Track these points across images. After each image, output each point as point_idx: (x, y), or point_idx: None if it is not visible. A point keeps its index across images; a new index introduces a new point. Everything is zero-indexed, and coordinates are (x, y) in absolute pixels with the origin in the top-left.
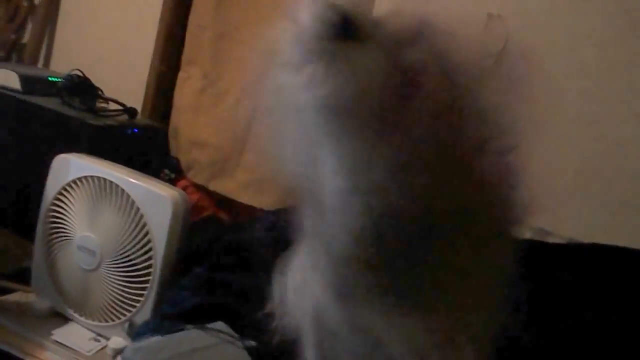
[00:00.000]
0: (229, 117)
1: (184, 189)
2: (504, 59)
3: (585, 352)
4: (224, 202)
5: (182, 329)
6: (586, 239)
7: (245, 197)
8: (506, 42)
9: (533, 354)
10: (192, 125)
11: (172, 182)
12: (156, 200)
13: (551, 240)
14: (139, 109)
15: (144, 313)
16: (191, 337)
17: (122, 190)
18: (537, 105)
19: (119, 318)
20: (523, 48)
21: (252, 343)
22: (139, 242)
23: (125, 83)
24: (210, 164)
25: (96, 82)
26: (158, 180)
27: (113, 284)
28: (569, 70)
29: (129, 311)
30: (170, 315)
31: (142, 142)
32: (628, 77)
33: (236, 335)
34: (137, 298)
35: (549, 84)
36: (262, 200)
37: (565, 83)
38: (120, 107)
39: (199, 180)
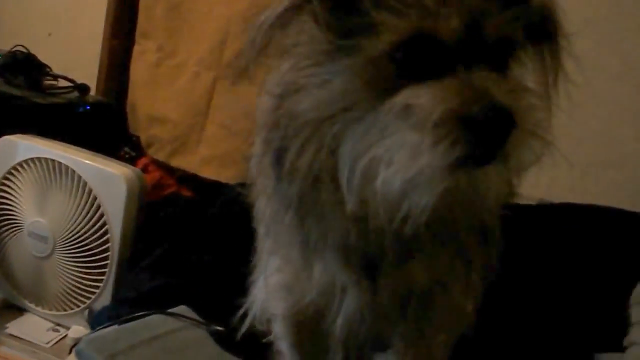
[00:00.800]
0: (188, 90)
1: (145, 167)
2: None
3: (558, 310)
4: (186, 179)
5: (142, 315)
6: (557, 199)
7: (208, 172)
8: None
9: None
10: (150, 100)
11: (133, 160)
12: (109, 180)
13: (522, 202)
14: (93, 86)
15: (104, 298)
16: (151, 323)
17: (73, 171)
18: None
19: (78, 306)
20: None
21: (218, 328)
22: (93, 224)
23: (76, 59)
24: (171, 139)
25: (45, 58)
26: (111, 159)
27: (69, 271)
28: None
29: (88, 298)
30: (129, 300)
31: (95, 120)
32: (595, 34)
33: (201, 319)
34: (95, 284)
35: None
36: (225, 174)
37: None
38: (70, 84)
39: (160, 157)
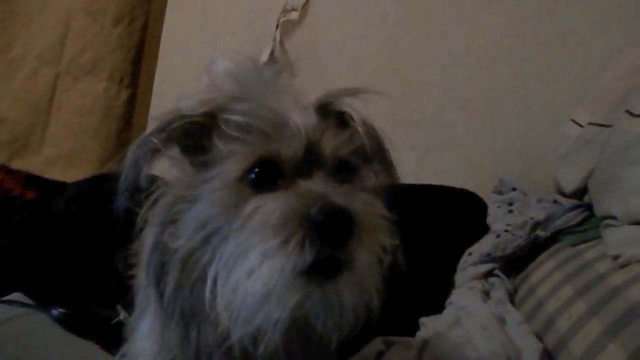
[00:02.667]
0: (27, 87)
1: None
2: None
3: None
4: (32, 181)
5: None
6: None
7: (54, 173)
8: None
9: None
10: None
11: None
12: None
13: None
14: None
15: None
16: None
17: None
18: (345, 56)
19: None
20: None
21: (60, 310)
22: None
23: None
24: (10, 141)
25: None
26: None
27: None
28: (371, 21)
29: None
30: None
31: None
32: (425, 27)
33: (36, 304)
34: None
35: (354, 35)
36: (73, 174)
37: (369, 33)
38: None
39: (0, 159)
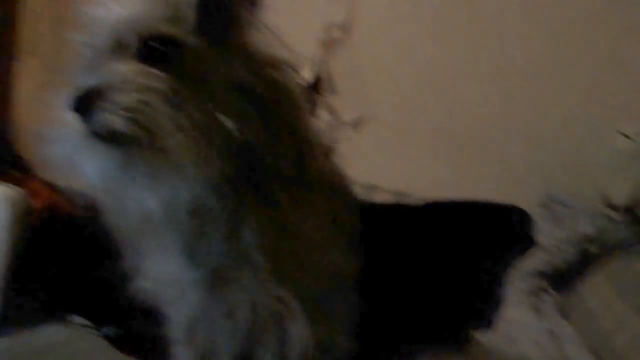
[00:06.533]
0: None
1: (36, 189)
2: None
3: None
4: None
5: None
6: (434, 195)
7: None
8: None
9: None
10: (38, 119)
11: (20, 183)
12: None
13: (379, 193)
14: None
15: None
16: (43, 332)
17: None
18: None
19: None
20: None
21: (112, 330)
22: None
23: None
24: None
25: None
26: None
27: None
28: (414, 38)
29: None
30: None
31: None
32: (467, 41)
33: (91, 324)
34: None
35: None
36: None
37: (408, 50)
38: None
39: (53, 178)
